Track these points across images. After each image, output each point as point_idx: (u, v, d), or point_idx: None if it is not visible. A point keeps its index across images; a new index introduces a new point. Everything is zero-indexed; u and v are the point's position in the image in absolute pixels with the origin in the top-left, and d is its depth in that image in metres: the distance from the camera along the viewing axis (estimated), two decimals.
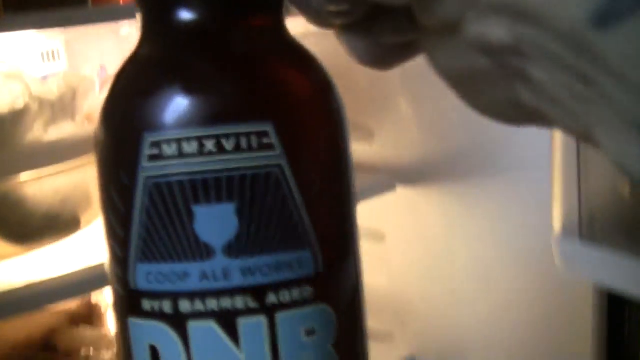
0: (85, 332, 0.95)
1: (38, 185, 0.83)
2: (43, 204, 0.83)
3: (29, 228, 0.83)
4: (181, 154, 0.31)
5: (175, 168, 0.31)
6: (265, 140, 0.31)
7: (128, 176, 0.32)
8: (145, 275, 0.32)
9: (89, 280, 0.78)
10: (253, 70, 0.33)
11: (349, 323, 0.34)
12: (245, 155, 0.31)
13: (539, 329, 0.89)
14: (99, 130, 0.34)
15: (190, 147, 0.31)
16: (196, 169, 0.31)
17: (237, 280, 0.31)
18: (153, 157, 0.31)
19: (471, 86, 0.30)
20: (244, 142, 0.31)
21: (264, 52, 0.34)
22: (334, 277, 0.33)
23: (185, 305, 0.31)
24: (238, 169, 0.31)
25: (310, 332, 0.32)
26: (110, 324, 1.04)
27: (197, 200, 0.31)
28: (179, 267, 0.31)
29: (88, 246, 0.85)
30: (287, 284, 0.32)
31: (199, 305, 0.31)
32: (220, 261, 0.31)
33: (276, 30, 0.35)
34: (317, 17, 0.32)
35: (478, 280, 0.95)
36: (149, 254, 0.32)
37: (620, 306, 0.80)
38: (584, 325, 0.82)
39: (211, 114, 0.31)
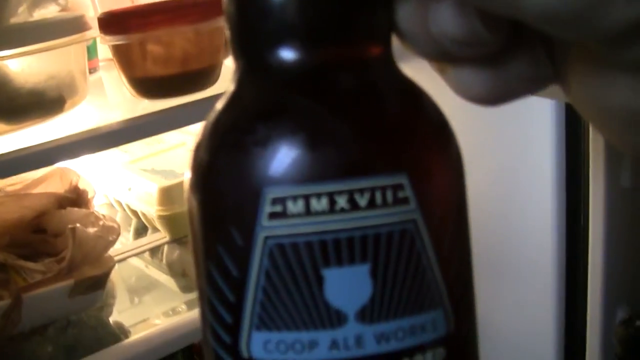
0: (72, 212, 0.97)
1: (23, 63, 0.84)
2: (29, 81, 0.84)
3: (16, 104, 0.84)
4: (309, 212, 0.27)
5: (301, 227, 0.27)
6: (400, 194, 0.28)
7: (243, 236, 0.28)
8: (263, 345, 0.28)
9: (78, 146, 0.81)
10: (383, 114, 0.29)
11: None
12: (379, 211, 0.27)
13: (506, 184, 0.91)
14: (197, 184, 0.30)
15: (320, 205, 0.27)
16: (326, 228, 0.27)
17: (371, 347, 0.28)
18: (275, 215, 0.27)
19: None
20: (378, 197, 0.27)
21: (388, 92, 0.30)
22: (465, 335, 0.30)
23: None
24: (372, 226, 0.27)
25: None
26: (97, 207, 1.07)
27: (327, 263, 0.27)
28: (305, 335, 0.28)
29: (74, 125, 0.87)
30: (421, 348, 0.28)
31: None
32: (353, 328, 0.28)
33: (391, 64, 0.31)
34: (435, 47, 0.27)
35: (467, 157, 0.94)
36: (268, 322, 0.28)
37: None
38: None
39: (343, 167, 0.27)
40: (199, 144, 0.30)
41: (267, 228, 0.27)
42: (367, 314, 0.28)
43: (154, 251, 1.13)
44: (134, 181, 1.12)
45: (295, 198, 0.27)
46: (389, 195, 0.28)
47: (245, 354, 0.29)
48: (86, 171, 1.08)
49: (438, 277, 0.29)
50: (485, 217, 0.94)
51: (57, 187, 1.01)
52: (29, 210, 0.96)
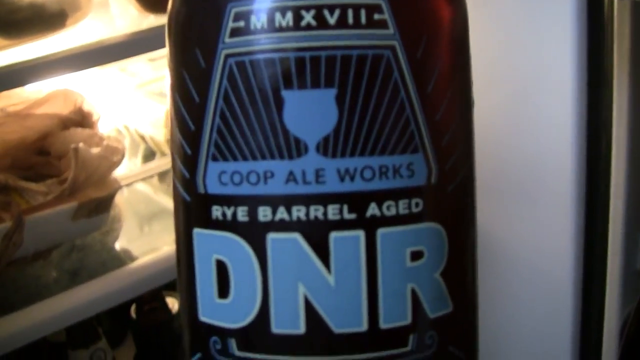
0: (76, 133, 0.94)
1: None
2: None
3: (15, 18, 0.82)
4: (272, 28, 0.25)
5: (263, 44, 0.25)
6: (377, 16, 0.25)
7: (205, 56, 0.26)
8: (218, 176, 0.26)
9: (80, 59, 0.79)
10: None
11: (462, 249, 0.28)
12: (351, 31, 0.25)
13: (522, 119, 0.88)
14: (171, 10, 0.28)
15: (284, 19, 0.25)
16: (289, 45, 0.25)
17: (332, 184, 0.25)
18: (237, 32, 0.25)
19: None
20: (350, 16, 0.25)
21: None
22: (450, 192, 0.27)
23: (265, 213, 0.26)
24: (342, 47, 0.25)
25: (416, 256, 0.26)
26: (102, 128, 1.04)
27: (288, 84, 0.25)
28: (260, 165, 0.25)
29: (76, 40, 0.84)
30: (393, 194, 0.26)
31: (282, 214, 0.25)
32: (312, 160, 0.25)
33: None
34: None
35: (484, 78, 0.91)
36: (224, 150, 0.26)
37: None
38: None
39: None
40: None
41: (229, 45, 0.25)
42: (329, 146, 0.25)
43: (163, 176, 1.10)
44: (142, 105, 1.10)
45: (258, 12, 0.25)
46: (363, 15, 0.25)
47: (201, 188, 0.27)
48: (93, 96, 1.04)
49: (419, 116, 0.26)
50: (504, 137, 0.91)
51: (61, 108, 0.97)
52: (32, 131, 0.93)
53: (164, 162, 1.11)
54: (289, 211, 0.25)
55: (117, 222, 0.99)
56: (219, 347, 0.27)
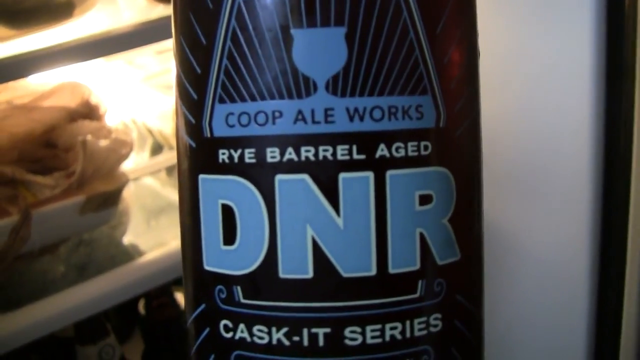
0: (84, 125, 0.93)
1: None
2: None
3: (22, 8, 0.81)
4: None
5: None
6: None
7: None
8: (225, 118, 0.26)
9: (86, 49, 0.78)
10: None
11: (469, 197, 0.28)
12: None
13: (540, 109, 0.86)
14: None
15: None
16: None
17: (341, 124, 0.25)
18: None
19: None
20: None
21: None
22: (458, 136, 0.27)
23: (273, 154, 0.25)
24: None
25: (425, 200, 0.26)
26: (109, 122, 1.04)
27: (298, 22, 0.25)
28: (269, 105, 0.25)
29: (84, 30, 0.84)
30: (402, 136, 0.25)
31: (290, 154, 0.25)
32: (322, 99, 0.25)
33: None
34: None
35: (500, 70, 0.91)
36: (232, 91, 0.26)
37: None
38: None
39: None
40: None
41: None
42: (338, 85, 0.25)
43: (170, 170, 1.10)
44: (149, 98, 1.09)
45: None
46: None
47: (207, 132, 0.26)
48: (100, 90, 1.04)
49: (428, 58, 0.26)
50: (518, 130, 0.90)
51: (68, 101, 0.97)
52: (39, 124, 0.92)
53: (171, 156, 1.10)
54: (297, 152, 0.25)
55: (125, 216, 0.98)
56: (224, 296, 0.26)
